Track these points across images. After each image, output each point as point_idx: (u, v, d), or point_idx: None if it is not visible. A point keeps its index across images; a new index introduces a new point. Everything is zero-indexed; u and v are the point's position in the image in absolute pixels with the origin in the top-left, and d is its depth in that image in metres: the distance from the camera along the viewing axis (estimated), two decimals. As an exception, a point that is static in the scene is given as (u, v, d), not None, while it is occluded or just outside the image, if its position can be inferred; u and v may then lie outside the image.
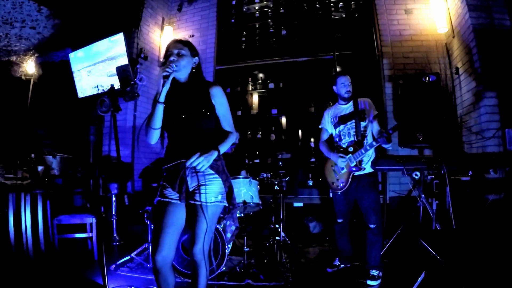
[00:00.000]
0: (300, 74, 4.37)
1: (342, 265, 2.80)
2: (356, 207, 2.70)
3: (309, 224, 3.94)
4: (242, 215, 3.00)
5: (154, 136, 1.65)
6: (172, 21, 4.96)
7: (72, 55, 4.16)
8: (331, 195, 2.89)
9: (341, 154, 2.60)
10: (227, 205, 1.70)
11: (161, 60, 4.66)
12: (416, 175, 2.32)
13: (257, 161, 4.44)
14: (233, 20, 4.79)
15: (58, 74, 4.67)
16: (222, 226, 2.70)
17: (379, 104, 3.60)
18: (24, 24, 4.14)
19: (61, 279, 2.57)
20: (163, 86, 1.56)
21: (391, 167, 2.55)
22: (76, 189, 3.70)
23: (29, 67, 4.85)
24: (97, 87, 3.92)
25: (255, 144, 4.51)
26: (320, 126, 2.95)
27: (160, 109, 1.61)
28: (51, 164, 3.48)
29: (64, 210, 3.25)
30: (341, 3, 4.36)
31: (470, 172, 2.43)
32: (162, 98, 1.59)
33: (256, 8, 4.72)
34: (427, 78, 3.44)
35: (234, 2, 4.82)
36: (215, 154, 1.62)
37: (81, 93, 4.14)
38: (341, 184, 2.65)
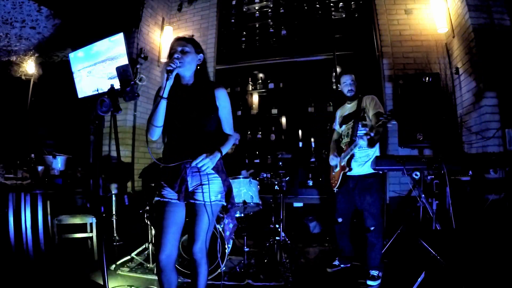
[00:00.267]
0: (300, 74, 4.37)
1: (342, 265, 2.80)
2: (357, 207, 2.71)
3: (309, 224, 3.94)
4: (242, 215, 3.00)
5: (156, 133, 1.65)
6: (172, 21, 4.96)
7: (72, 55, 4.15)
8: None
9: (335, 153, 2.74)
10: (225, 204, 1.71)
11: (162, 60, 4.67)
12: (416, 175, 2.31)
13: (257, 161, 4.45)
14: (233, 20, 4.79)
15: (58, 74, 4.67)
16: (222, 226, 2.70)
17: (379, 104, 3.60)
18: (24, 24, 4.14)
19: (61, 279, 2.57)
20: (166, 80, 1.55)
21: (391, 167, 2.54)
22: (76, 189, 3.70)
23: (29, 67, 4.85)
24: (97, 90, 3.92)
25: (255, 144, 4.51)
26: (333, 127, 3.01)
27: (163, 104, 1.60)
28: (51, 164, 3.48)
29: (64, 210, 3.26)
30: (341, 3, 4.36)
31: (470, 172, 2.42)
32: (165, 94, 1.58)
33: (256, 8, 4.72)
34: (427, 78, 3.44)
35: (234, 2, 4.82)
36: (218, 156, 1.64)
37: (81, 93, 4.14)
38: (335, 183, 2.71)
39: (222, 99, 1.72)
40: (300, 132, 4.37)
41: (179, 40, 1.70)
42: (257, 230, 3.50)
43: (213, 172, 1.66)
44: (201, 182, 1.63)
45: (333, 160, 2.75)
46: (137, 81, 4.10)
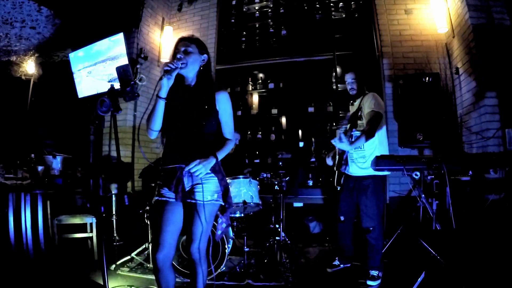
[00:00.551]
0: (300, 74, 4.37)
1: (342, 265, 2.80)
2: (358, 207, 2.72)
3: (309, 224, 3.94)
4: (242, 215, 3.00)
5: (153, 135, 1.66)
6: (172, 21, 4.95)
7: (72, 55, 4.15)
8: None
9: (331, 155, 2.88)
10: (223, 203, 1.71)
11: (162, 60, 4.67)
12: (416, 175, 2.31)
13: (257, 161, 4.45)
14: (233, 20, 4.79)
15: (58, 74, 4.67)
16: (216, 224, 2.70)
17: (379, 104, 3.60)
18: (24, 24, 4.14)
19: (61, 279, 2.57)
20: (159, 80, 1.55)
21: (391, 167, 2.54)
22: (76, 189, 3.70)
23: (29, 67, 4.85)
24: (97, 93, 3.92)
25: (255, 144, 4.51)
26: None
27: (160, 104, 1.59)
28: (51, 164, 3.48)
29: (64, 210, 3.25)
30: (341, 3, 4.36)
31: (470, 172, 2.42)
32: (162, 94, 1.58)
33: (256, 8, 4.72)
34: (427, 78, 3.44)
35: (234, 2, 4.82)
36: (213, 162, 1.63)
37: (81, 94, 4.14)
38: (336, 180, 2.80)
39: (223, 102, 1.70)
40: (300, 132, 4.37)
41: (182, 41, 1.69)
42: (257, 230, 3.50)
43: (209, 171, 1.65)
44: (197, 182, 1.63)
45: (327, 159, 2.91)
46: (137, 81, 4.10)
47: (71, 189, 3.66)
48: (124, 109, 3.81)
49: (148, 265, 2.85)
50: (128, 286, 2.47)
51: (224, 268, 2.61)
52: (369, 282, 2.46)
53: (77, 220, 3.13)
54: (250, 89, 4.67)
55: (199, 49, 1.70)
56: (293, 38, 4.46)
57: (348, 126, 2.64)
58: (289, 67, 4.42)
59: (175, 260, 2.55)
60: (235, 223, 3.02)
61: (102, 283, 1.63)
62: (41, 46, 4.61)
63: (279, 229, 3.13)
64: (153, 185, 2.98)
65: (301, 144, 4.33)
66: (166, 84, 1.57)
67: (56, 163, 3.50)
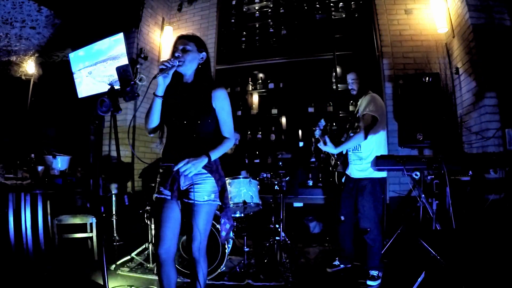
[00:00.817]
0: (300, 74, 4.37)
1: (342, 265, 2.80)
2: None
3: (309, 224, 3.94)
4: (242, 215, 3.00)
5: (151, 132, 1.68)
6: (172, 21, 4.96)
7: (72, 55, 4.15)
8: None
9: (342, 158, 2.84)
10: (220, 203, 1.71)
11: (162, 60, 4.67)
12: (416, 175, 2.31)
13: (257, 161, 4.45)
14: (233, 20, 4.79)
15: (58, 74, 4.67)
16: (219, 226, 2.70)
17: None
18: (24, 24, 4.14)
19: (61, 279, 2.57)
20: (154, 77, 1.54)
21: (391, 167, 2.54)
22: (76, 189, 3.70)
23: (29, 67, 4.85)
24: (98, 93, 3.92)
25: (255, 144, 4.51)
26: None
27: (157, 102, 1.60)
28: (51, 164, 3.48)
29: (64, 210, 3.25)
30: (341, 3, 4.36)
31: (470, 172, 2.42)
32: (159, 92, 1.58)
33: (256, 8, 4.72)
34: (427, 78, 3.44)
35: (234, 2, 4.82)
36: (204, 161, 1.59)
37: (81, 94, 4.14)
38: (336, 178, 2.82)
39: (220, 100, 1.67)
40: (300, 132, 4.37)
41: (181, 39, 1.69)
42: (257, 230, 3.50)
43: (205, 172, 1.64)
44: (193, 181, 1.62)
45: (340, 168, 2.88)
46: (137, 81, 4.08)
47: (71, 189, 3.66)
48: (124, 109, 3.80)
49: (148, 265, 2.85)
50: (128, 286, 2.47)
51: (224, 268, 2.61)
52: (369, 282, 2.46)
53: (77, 220, 3.13)
54: (250, 89, 4.67)
55: (198, 47, 1.69)
56: (293, 38, 4.46)
57: (348, 126, 2.64)
58: (289, 67, 4.42)
59: (175, 260, 2.55)
60: (235, 223, 3.02)
61: (102, 283, 1.63)
62: (41, 46, 4.61)
63: (279, 229, 3.13)
64: (153, 185, 2.98)
65: (301, 144, 4.33)
66: (162, 82, 1.57)
67: (56, 163, 3.49)
